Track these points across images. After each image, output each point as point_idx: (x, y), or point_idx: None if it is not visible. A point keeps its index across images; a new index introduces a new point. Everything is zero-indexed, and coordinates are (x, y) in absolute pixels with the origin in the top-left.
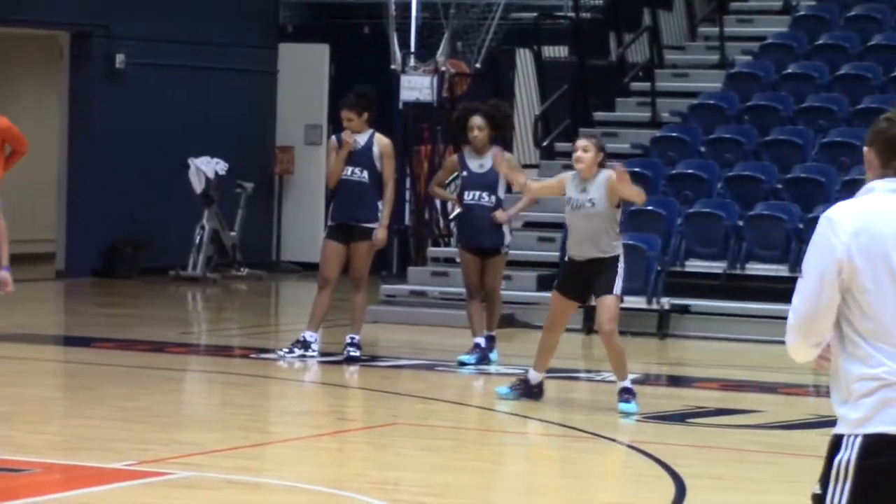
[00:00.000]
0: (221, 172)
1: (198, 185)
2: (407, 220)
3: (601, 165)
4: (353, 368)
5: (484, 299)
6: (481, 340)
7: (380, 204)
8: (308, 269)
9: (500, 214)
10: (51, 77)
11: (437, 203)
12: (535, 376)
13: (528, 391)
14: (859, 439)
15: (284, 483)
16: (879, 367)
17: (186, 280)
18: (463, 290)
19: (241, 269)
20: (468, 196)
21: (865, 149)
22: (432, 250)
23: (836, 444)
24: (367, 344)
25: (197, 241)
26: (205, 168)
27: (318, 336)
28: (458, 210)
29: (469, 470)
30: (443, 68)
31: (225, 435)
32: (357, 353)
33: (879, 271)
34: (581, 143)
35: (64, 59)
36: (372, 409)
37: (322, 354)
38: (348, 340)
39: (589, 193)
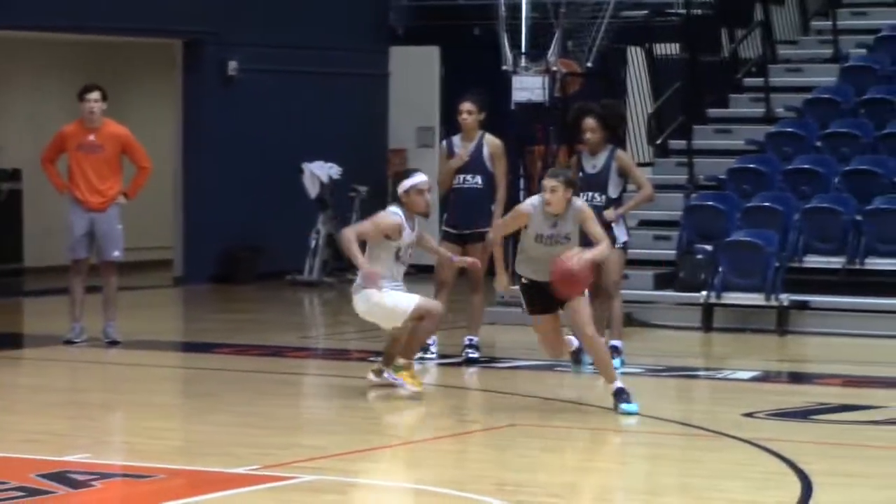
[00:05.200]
0: (335, 177)
1: (312, 190)
2: None
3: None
4: (472, 370)
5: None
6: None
7: (493, 206)
8: (423, 272)
9: (608, 213)
10: (164, 85)
11: None
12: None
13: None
14: None
15: (407, 485)
16: None
17: (302, 285)
18: None
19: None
20: (582, 197)
21: None
22: None
23: None
24: (486, 345)
25: (312, 245)
26: (319, 173)
27: (437, 338)
28: None
29: (591, 470)
30: (554, 68)
31: (347, 438)
32: (476, 355)
33: None
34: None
35: (177, 66)
36: (492, 410)
37: (441, 356)
38: (466, 342)
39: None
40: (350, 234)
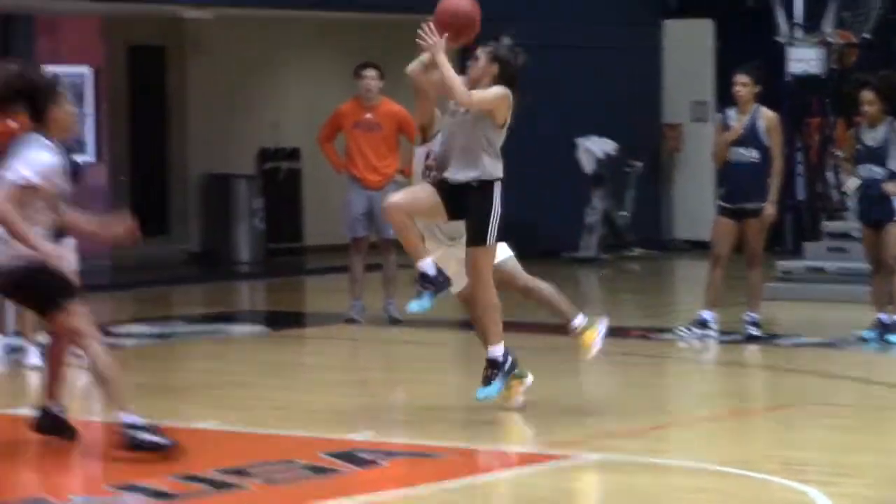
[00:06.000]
0: (610, 152)
1: (587, 166)
2: (800, 195)
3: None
4: (753, 347)
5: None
6: (884, 316)
7: (769, 180)
8: (700, 247)
9: (889, 186)
10: None
11: (830, 176)
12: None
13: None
14: None
15: (692, 464)
16: None
17: (579, 261)
18: (861, 265)
19: (633, 249)
20: (861, 170)
21: None
22: (827, 224)
23: None
24: (766, 322)
25: (588, 222)
26: (594, 148)
27: (716, 315)
28: (849, 183)
29: (878, 450)
30: (830, 39)
31: (628, 416)
32: (756, 332)
33: None
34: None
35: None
36: (774, 388)
37: (721, 333)
38: (747, 319)
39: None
40: None
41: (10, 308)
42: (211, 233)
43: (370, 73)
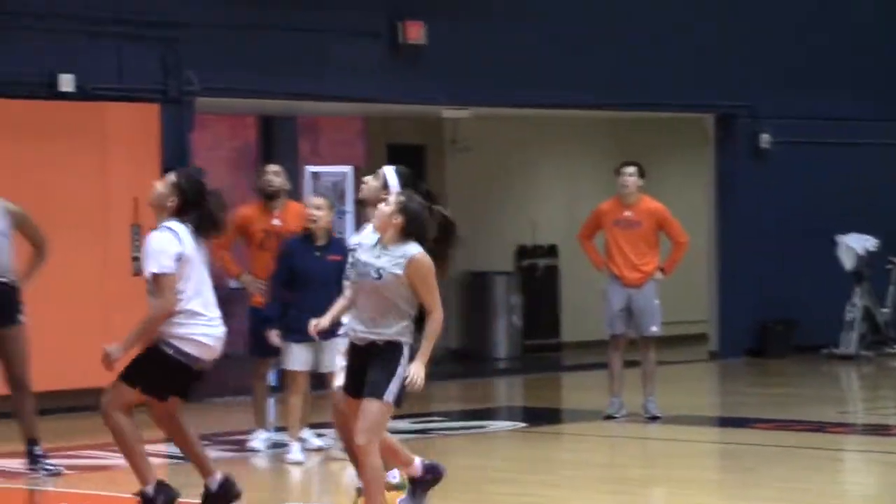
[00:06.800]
0: (871, 249)
1: (848, 263)
2: None
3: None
4: None
5: None
6: None
7: None
8: None
9: None
10: (697, 159)
11: None
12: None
13: None
14: None
15: None
16: None
17: (839, 358)
18: None
19: (895, 346)
20: None
21: None
22: None
23: None
24: None
25: (849, 318)
26: (854, 245)
27: None
28: None
29: None
30: None
31: None
32: None
33: None
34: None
35: (709, 140)
36: None
37: None
38: None
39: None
40: None
41: (272, 403)
42: (470, 329)
43: (629, 170)
